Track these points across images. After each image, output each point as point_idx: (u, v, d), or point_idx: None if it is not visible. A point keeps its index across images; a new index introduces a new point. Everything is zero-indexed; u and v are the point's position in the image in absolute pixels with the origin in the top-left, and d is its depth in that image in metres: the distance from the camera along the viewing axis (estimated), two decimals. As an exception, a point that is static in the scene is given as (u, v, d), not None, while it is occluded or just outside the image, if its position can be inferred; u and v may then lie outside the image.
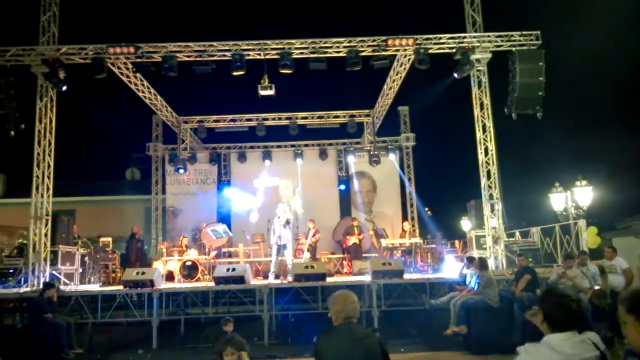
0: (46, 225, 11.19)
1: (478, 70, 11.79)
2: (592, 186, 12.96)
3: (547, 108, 11.25)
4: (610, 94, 21.09)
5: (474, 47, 11.44)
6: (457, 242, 16.40)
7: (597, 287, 8.38)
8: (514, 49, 11.32)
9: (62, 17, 11.73)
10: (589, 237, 12.10)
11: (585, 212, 12.75)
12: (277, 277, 11.62)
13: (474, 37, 11.56)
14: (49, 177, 11.45)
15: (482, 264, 9.26)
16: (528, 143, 21.21)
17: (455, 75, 11.61)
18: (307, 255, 13.73)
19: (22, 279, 11.00)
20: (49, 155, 11.50)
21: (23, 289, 10.44)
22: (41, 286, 9.86)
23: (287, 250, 11.61)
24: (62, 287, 10.86)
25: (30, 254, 10.90)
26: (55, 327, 8.52)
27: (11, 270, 11.43)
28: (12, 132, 11.05)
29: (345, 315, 3.29)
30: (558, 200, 13.75)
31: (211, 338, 9.84)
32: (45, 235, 11.13)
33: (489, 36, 11.54)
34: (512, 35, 11.46)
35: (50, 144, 11.54)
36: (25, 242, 11.90)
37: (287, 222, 11.58)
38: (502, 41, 11.50)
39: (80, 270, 12.29)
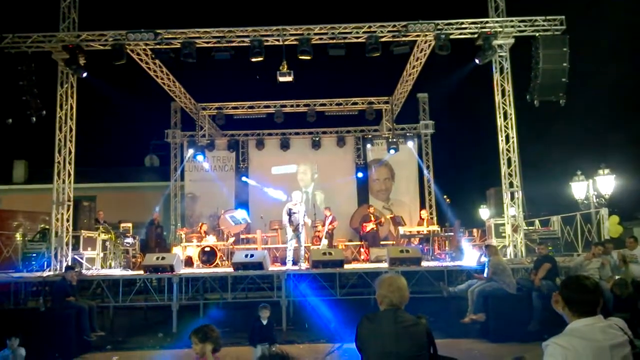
0: (68, 210, 11.38)
1: (500, 56, 11.58)
2: (614, 175, 12.73)
3: (570, 95, 11.02)
4: (634, 82, 20.55)
5: (496, 32, 11.22)
6: (475, 230, 16.27)
7: (617, 277, 8.26)
8: (537, 34, 11.08)
9: (82, 3, 11.79)
10: (610, 226, 11.92)
11: (607, 200, 12.55)
12: (294, 263, 11.67)
13: (497, 22, 11.34)
14: (70, 163, 11.61)
15: (491, 250, 9.22)
16: (550, 130, 20.83)
17: (477, 61, 11.42)
18: (324, 242, 13.76)
19: (45, 263, 11.22)
20: (70, 141, 11.64)
21: (46, 273, 10.66)
22: (63, 270, 10.06)
23: (301, 237, 11.63)
24: (84, 271, 11.06)
25: (53, 238, 11.11)
26: (78, 310, 8.68)
27: (34, 255, 11.66)
28: (34, 119, 11.18)
29: (390, 301, 3.11)
30: (579, 188, 13.55)
31: (236, 323, 10.00)
32: (67, 220, 11.32)
33: (512, 21, 11.30)
34: (536, 20, 11.21)
35: (71, 130, 11.67)
36: (47, 227, 12.12)
37: (305, 213, 11.60)
38: (525, 26, 11.26)
39: (102, 255, 12.49)
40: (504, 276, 8.83)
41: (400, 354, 2.96)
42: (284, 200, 15.21)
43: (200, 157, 16.93)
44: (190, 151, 17.38)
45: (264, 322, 7.18)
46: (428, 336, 3.05)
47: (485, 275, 9.01)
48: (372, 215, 15.06)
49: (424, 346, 3.02)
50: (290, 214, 11.48)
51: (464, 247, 13.24)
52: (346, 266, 11.14)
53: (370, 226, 14.79)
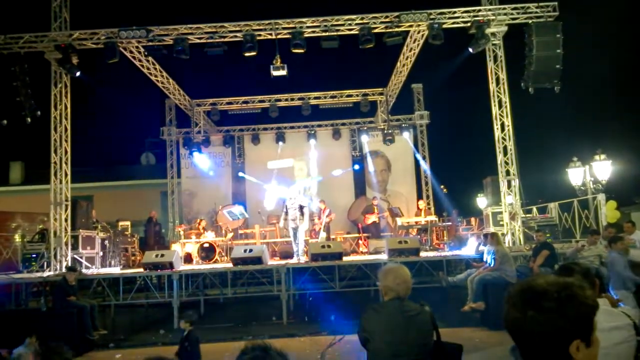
0: (66, 210, 11.37)
1: (494, 44, 11.56)
2: (611, 160, 12.77)
3: (565, 81, 11.03)
4: (630, 66, 20.58)
5: (489, 20, 11.20)
6: (473, 219, 16.33)
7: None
8: (530, 21, 11.06)
9: (73, 2, 11.71)
10: (608, 212, 11.97)
11: (604, 186, 12.59)
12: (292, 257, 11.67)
13: (489, 10, 11.32)
14: (66, 163, 11.58)
15: (496, 239, 9.22)
16: (545, 117, 20.86)
17: (470, 50, 11.41)
18: (322, 235, 13.78)
19: (45, 264, 11.22)
20: (66, 141, 11.61)
21: (46, 273, 10.67)
22: (64, 270, 10.08)
23: (300, 232, 11.61)
24: (84, 270, 11.07)
25: (52, 239, 11.10)
26: (79, 309, 8.71)
27: (34, 255, 11.66)
28: (28, 119, 11.14)
29: (396, 294, 3.16)
30: (576, 174, 13.58)
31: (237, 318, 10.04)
32: (66, 220, 11.30)
33: (504, 8, 11.29)
34: (529, 7, 11.19)
35: (66, 130, 11.63)
36: (46, 227, 12.10)
37: (301, 207, 11.57)
38: (518, 13, 11.25)
39: (101, 253, 12.50)
40: (507, 265, 8.87)
41: (408, 343, 3.02)
42: (281, 195, 15.22)
43: (197, 155, 16.82)
44: (186, 148, 17.36)
45: (183, 334, 6.27)
46: (432, 323, 3.11)
47: (492, 265, 9.00)
48: (375, 207, 15.10)
49: (430, 333, 3.09)
50: (286, 210, 11.47)
51: (468, 240, 13.26)
52: (345, 258, 11.17)
53: (372, 218, 14.84)
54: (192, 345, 6.07)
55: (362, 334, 3.16)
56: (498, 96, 11.60)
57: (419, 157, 18.16)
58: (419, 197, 17.44)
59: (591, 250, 8.76)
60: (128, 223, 14.88)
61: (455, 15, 11.32)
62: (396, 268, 3.29)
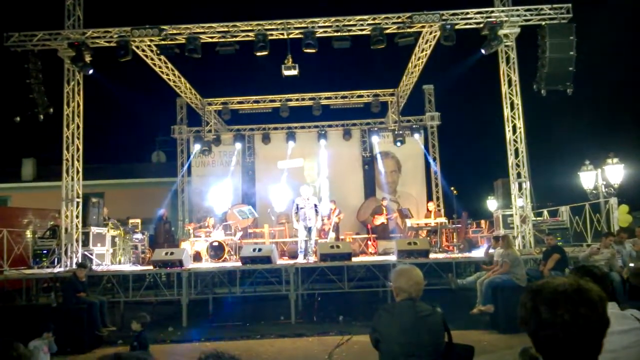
0: (77, 207, 11.46)
1: (506, 46, 11.49)
2: (623, 164, 12.63)
3: (578, 84, 10.93)
4: (644, 69, 20.34)
5: (502, 21, 11.13)
6: (483, 221, 16.23)
7: (632, 266, 8.20)
8: (543, 22, 10.98)
9: (87, 0, 11.80)
10: (620, 216, 11.82)
11: (616, 190, 12.45)
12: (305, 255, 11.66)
13: (502, 11, 11.24)
14: (78, 160, 11.68)
15: (507, 241, 9.14)
16: (557, 120, 20.67)
17: (483, 51, 11.33)
18: (331, 235, 13.76)
19: (56, 260, 11.32)
20: (78, 138, 11.71)
21: (57, 269, 10.76)
22: (74, 266, 10.16)
23: (312, 231, 11.61)
24: (94, 267, 11.14)
25: (63, 235, 11.20)
26: (89, 305, 8.76)
27: (45, 251, 11.75)
28: (41, 116, 11.25)
29: (409, 295, 3.17)
30: (588, 178, 13.45)
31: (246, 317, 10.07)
32: (77, 217, 11.40)
33: (517, 10, 11.21)
34: (542, 9, 11.10)
35: (78, 127, 11.73)
36: (57, 224, 12.21)
37: (316, 207, 11.56)
38: (531, 15, 11.16)
39: (111, 250, 12.57)
40: (518, 268, 8.79)
41: (421, 344, 3.02)
42: (291, 194, 15.22)
43: (206, 152, 16.84)
44: (197, 146, 17.44)
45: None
46: (444, 325, 3.11)
47: (502, 267, 8.93)
48: (384, 208, 15.07)
49: (441, 335, 3.09)
50: (297, 209, 11.45)
51: (478, 242, 13.18)
52: (354, 259, 11.15)
53: (380, 219, 14.80)
54: (141, 347, 6.18)
55: (374, 335, 3.15)
56: (510, 98, 11.52)
57: (429, 158, 18.10)
58: (429, 198, 17.38)
59: (603, 254, 8.66)
60: (138, 220, 14.96)
61: (468, 16, 11.26)
62: (409, 269, 3.29)
